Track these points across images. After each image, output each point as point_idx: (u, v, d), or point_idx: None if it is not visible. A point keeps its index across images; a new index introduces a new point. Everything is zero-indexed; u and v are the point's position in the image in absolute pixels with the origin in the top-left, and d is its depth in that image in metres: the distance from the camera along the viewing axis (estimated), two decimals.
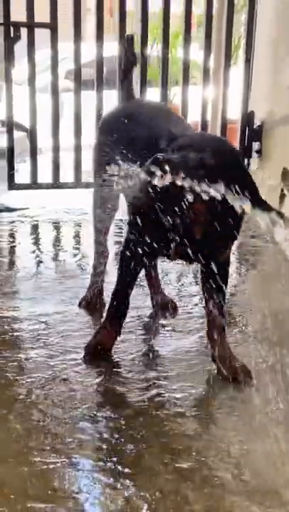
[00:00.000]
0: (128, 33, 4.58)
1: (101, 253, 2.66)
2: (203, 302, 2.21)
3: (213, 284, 2.11)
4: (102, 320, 2.30)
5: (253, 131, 4.59)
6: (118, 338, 2.28)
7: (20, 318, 2.57)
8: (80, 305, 2.68)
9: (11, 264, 3.30)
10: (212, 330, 2.17)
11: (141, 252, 2.09)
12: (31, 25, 4.18)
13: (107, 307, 2.29)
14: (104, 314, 2.29)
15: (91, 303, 2.66)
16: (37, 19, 4.21)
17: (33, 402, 1.98)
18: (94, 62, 4.45)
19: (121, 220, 2.82)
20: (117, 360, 2.25)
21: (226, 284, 2.16)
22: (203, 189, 1.77)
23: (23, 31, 4.18)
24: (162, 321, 2.60)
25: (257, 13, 4.48)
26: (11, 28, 4.11)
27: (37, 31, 4.25)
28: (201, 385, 2.12)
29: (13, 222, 3.98)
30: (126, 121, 2.34)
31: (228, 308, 2.61)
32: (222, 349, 2.14)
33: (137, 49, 4.49)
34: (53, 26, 4.20)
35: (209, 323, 2.18)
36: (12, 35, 4.08)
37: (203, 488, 1.62)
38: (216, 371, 2.16)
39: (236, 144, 4.67)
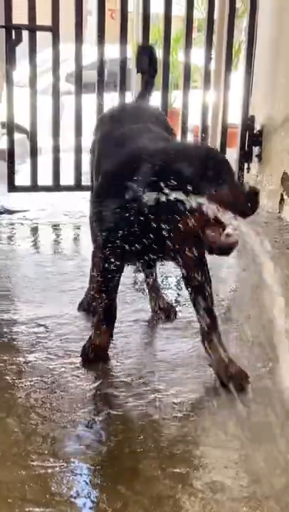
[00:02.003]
0: (129, 35, 4.61)
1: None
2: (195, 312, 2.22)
3: (196, 288, 2.12)
4: (94, 324, 2.30)
5: (253, 136, 4.60)
6: (114, 341, 2.28)
7: (20, 321, 2.57)
8: (79, 308, 2.68)
9: (10, 266, 3.30)
10: (205, 335, 2.17)
11: (110, 257, 2.12)
12: (33, 29, 4.18)
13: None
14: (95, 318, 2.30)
15: (90, 306, 2.66)
16: (38, 20, 4.21)
17: (32, 405, 1.98)
18: (95, 64, 4.46)
19: None
20: (116, 364, 2.26)
21: (209, 287, 2.16)
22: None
23: (25, 34, 4.19)
24: (161, 325, 2.60)
25: (258, 20, 4.50)
26: (13, 31, 4.11)
27: (38, 32, 4.26)
28: (200, 389, 2.13)
29: (12, 224, 3.99)
30: (113, 124, 2.37)
31: (227, 313, 2.62)
32: (218, 354, 2.14)
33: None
34: (54, 29, 4.21)
35: (201, 328, 2.18)
36: (14, 37, 4.08)
37: (200, 494, 1.62)
38: (214, 376, 2.15)
39: (236, 149, 4.69)
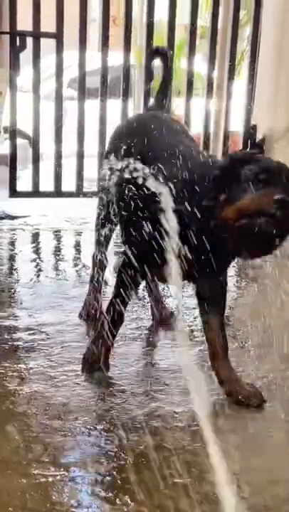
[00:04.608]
0: (133, 42, 4.62)
1: (100, 264, 2.65)
2: (203, 328, 2.21)
3: (212, 308, 2.11)
4: (97, 330, 2.29)
5: (255, 145, 4.61)
6: (115, 349, 2.27)
7: (21, 327, 2.57)
8: (80, 316, 2.67)
9: (11, 272, 3.30)
10: (215, 355, 2.16)
11: (138, 270, 2.10)
12: (37, 35, 4.19)
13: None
14: (98, 324, 2.27)
15: (91, 314, 2.65)
16: (42, 25, 4.22)
17: (33, 413, 1.97)
18: (98, 71, 4.47)
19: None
20: (118, 372, 2.25)
21: (224, 308, 2.16)
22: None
23: (29, 40, 4.20)
24: (162, 333, 2.60)
25: (261, 30, 4.52)
26: (17, 37, 4.12)
27: (42, 38, 4.27)
28: (201, 398, 2.12)
29: (13, 229, 3.99)
30: (141, 134, 2.29)
31: (227, 321, 2.61)
32: (227, 372, 2.13)
33: (140, 61, 4.53)
34: (58, 36, 4.22)
35: (211, 348, 2.17)
36: (18, 44, 4.09)
37: (202, 505, 1.62)
38: (215, 385, 2.15)
39: None
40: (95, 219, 2.57)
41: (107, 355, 2.25)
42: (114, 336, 2.23)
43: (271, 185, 1.84)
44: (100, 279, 2.67)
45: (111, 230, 2.54)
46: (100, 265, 2.65)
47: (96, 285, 2.67)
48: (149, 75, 4.47)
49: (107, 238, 2.58)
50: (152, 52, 2.84)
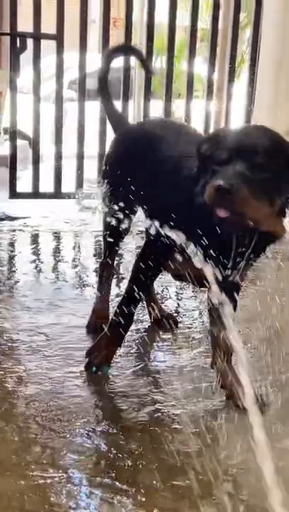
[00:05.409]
0: (133, 43, 4.63)
1: (107, 274, 2.61)
2: (210, 333, 2.20)
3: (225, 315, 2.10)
4: (105, 330, 2.28)
5: None
6: (117, 352, 2.28)
7: (20, 329, 2.57)
8: (88, 329, 2.58)
9: (11, 273, 3.30)
10: (219, 358, 2.15)
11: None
12: (38, 37, 4.20)
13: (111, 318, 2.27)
14: (108, 325, 2.26)
15: (98, 327, 2.51)
16: (43, 27, 4.22)
17: (32, 414, 1.97)
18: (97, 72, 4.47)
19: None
20: (116, 374, 2.25)
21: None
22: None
23: (29, 41, 4.21)
24: (162, 335, 2.60)
25: (261, 32, 4.52)
26: (18, 39, 4.12)
27: (42, 39, 4.28)
28: (200, 401, 2.12)
29: (13, 231, 3.99)
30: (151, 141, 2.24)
31: None
32: (230, 375, 2.12)
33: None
34: (58, 38, 4.23)
35: (216, 351, 2.16)
36: (18, 45, 4.10)
37: (200, 507, 1.62)
38: (213, 388, 2.15)
39: None
40: (103, 227, 2.49)
41: (113, 354, 2.25)
42: (122, 339, 2.23)
43: (224, 167, 1.80)
44: (108, 288, 2.62)
45: (120, 238, 2.47)
46: (107, 274, 2.61)
47: (104, 294, 2.62)
48: (148, 77, 4.48)
49: (116, 246, 2.54)
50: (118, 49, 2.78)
